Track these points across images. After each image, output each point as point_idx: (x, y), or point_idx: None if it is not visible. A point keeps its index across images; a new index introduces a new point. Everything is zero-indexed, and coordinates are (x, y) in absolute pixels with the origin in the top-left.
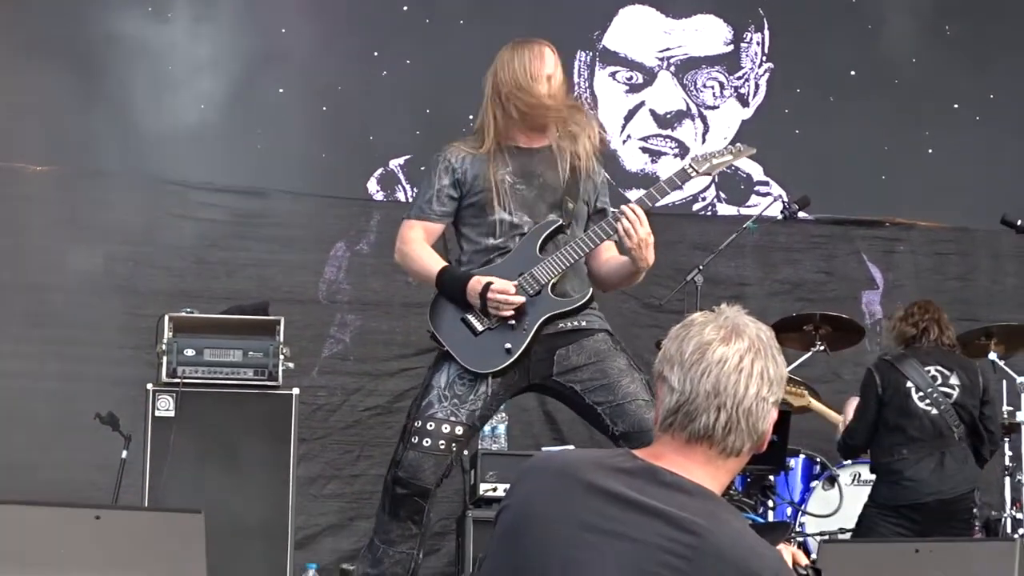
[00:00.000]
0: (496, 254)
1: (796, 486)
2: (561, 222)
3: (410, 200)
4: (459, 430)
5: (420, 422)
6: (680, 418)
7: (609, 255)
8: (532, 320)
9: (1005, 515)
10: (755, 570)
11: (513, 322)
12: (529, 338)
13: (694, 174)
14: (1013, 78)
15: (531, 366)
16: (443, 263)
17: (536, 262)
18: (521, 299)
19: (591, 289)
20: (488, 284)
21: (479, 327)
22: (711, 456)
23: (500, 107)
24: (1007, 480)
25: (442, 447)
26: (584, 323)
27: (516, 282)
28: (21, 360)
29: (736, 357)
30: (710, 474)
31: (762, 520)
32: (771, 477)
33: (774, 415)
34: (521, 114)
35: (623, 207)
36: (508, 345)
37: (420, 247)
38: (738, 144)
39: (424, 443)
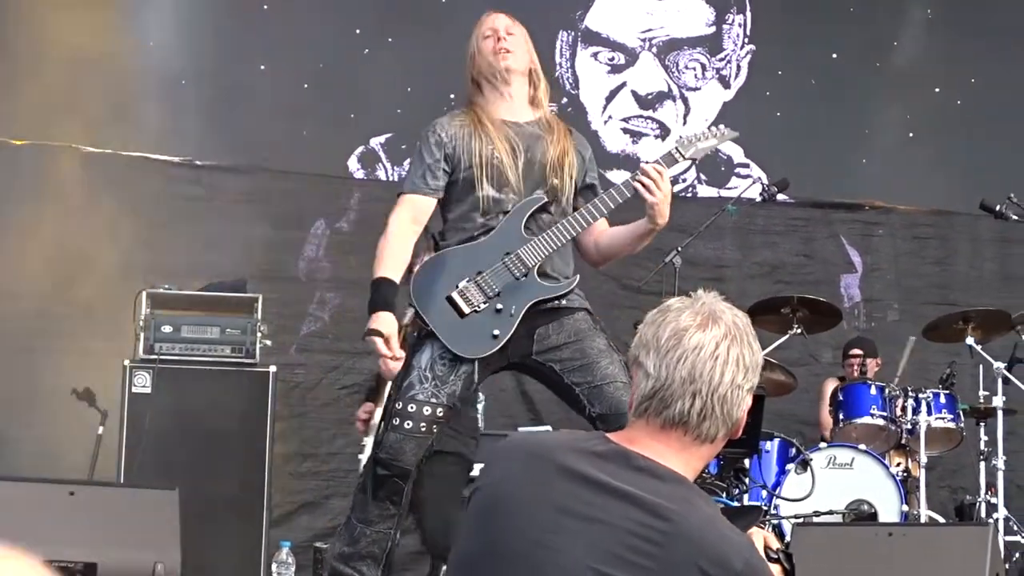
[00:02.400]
0: (480, 232)
1: (771, 469)
2: (546, 199)
3: (390, 179)
4: (440, 412)
5: (401, 404)
6: (655, 404)
7: (603, 228)
8: (519, 305)
9: (979, 500)
10: (725, 555)
11: (500, 306)
12: (516, 324)
13: (680, 158)
14: (994, 63)
15: (511, 345)
16: (390, 273)
17: (522, 242)
18: (398, 364)
19: (577, 275)
20: (375, 331)
21: (465, 309)
22: (685, 442)
23: (472, 80)
24: (982, 465)
25: (423, 429)
26: (564, 301)
27: (502, 262)
28: None
29: (712, 344)
30: (684, 460)
31: (734, 504)
32: (745, 460)
33: (749, 402)
34: (484, 79)
35: (643, 165)
36: (496, 331)
37: (398, 235)
38: (721, 127)
39: (406, 425)
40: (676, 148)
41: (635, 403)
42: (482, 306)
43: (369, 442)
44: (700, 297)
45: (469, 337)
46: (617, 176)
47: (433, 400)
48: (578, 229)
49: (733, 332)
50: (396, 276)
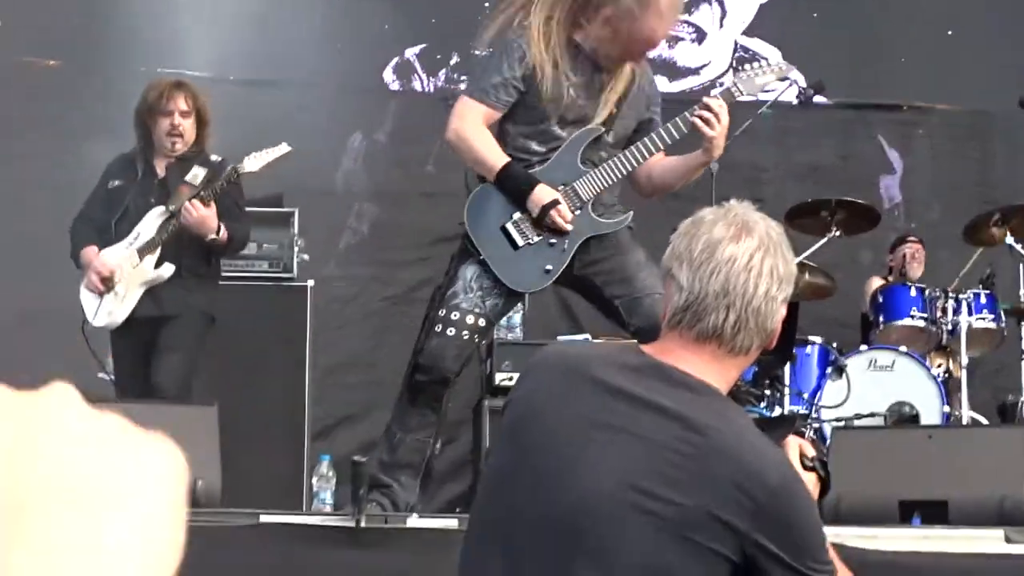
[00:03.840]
0: (538, 161)
1: (812, 373)
2: (602, 130)
3: (427, 90)
4: (482, 322)
5: (444, 311)
6: (689, 317)
7: (656, 159)
8: (573, 241)
9: (1022, 399)
10: (760, 470)
11: (553, 240)
12: (568, 259)
13: (739, 94)
14: None
15: None
16: (507, 157)
17: (579, 174)
18: (571, 228)
19: (631, 211)
20: (555, 201)
21: (520, 241)
22: (719, 354)
23: (605, 22)
24: (1023, 364)
25: (465, 336)
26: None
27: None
28: (40, 253)
29: (746, 256)
30: (717, 371)
31: (767, 414)
32: (782, 368)
33: (783, 312)
34: (625, 41)
35: (705, 99)
36: (548, 267)
37: (482, 131)
38: (779, 62)
39: (448, 332)
40: (735, 83)
41: (668, 315)
42: (535, 239)
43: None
44: (733, 208)
45: (521, 270)
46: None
47: (476, 310)
48: (635, 164)
49: (766, 243)
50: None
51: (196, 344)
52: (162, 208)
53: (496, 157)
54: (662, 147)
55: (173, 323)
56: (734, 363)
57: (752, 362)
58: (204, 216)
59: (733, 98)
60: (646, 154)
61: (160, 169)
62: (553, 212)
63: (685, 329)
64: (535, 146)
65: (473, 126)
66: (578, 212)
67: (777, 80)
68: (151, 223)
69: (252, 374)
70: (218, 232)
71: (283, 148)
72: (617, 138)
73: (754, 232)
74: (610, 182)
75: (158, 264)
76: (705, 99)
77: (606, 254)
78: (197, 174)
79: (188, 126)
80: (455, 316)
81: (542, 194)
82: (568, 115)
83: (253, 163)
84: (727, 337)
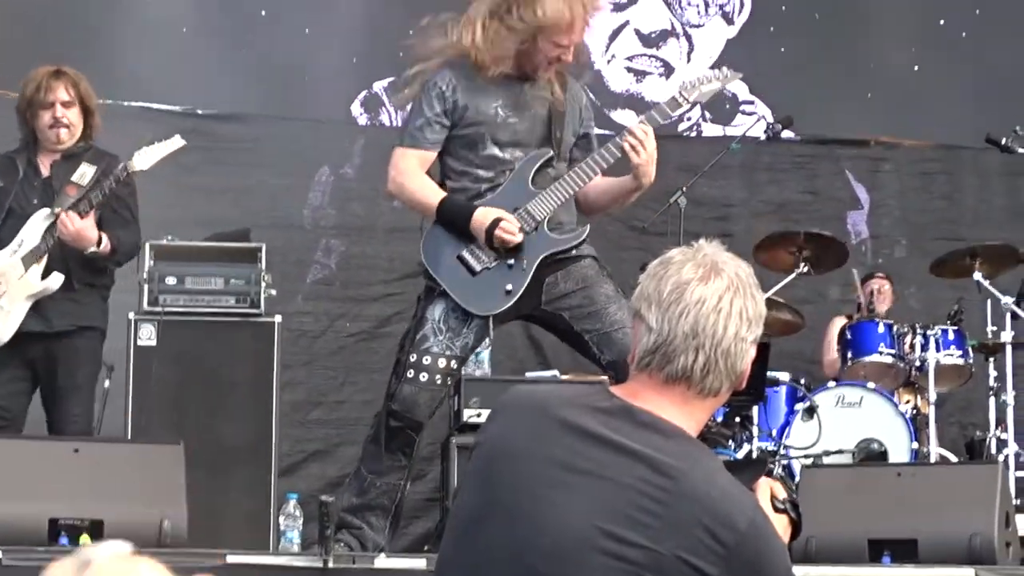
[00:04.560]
0: (487, 188)
1: (780, 410)
2: (552, 153)
3: (395, 124)
4: (454, 364)
5: (415, 355)
6: (658, 359)
7: (594, 181)
8: (531, 259)
9: (990, 436)
10: (729, 514)
11: (511, 261)
12: (528, 278)
13: (684, 103)
14: None
15: (522, 297)
16: (443, 193)
17: (530, 196)
18: (520, 237)
19: (587, 225)
20: (497, 219)
21: (477, 267)
22: (688, 396)
23: (506, 29)
24: (992, 401)
25: (438, 381)
26: (573, 251)
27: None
28: None
29: (715, 297)
30: (687, 414)
31: (736, 456)
32: (751, 408)
33: (752, 353)
34: (512, 52)
35: (629, 126)
36: (508, 287)
37: (417, 176)
38: (725, 69)
39: (420, 377)
40: (680, 92)
41: (637, 357)
42: (493, 263)
43: None
44: (702, 248)
45: (482, 294)
46: (621, 116)
47: (447, 352)
48: (583, 183)
49: (736, 284)
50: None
51: (95, 367)
52: (47, 211)
53: (432, 195)
54: (604, 167)
55: (67, 346)
56: (703, 405)
57: (720, 404)
58: (79, 229)
59: (677, 106)
60: (591, 174)
61: (45, 167)
62: (498, 230)
63: (654, 371)
64: (481, 173)
65: (407, 173)
66: (534, 232)
67: (723, 87)
68: (36, 228)
69: (218, 410)
70: (99, 244)
71: (177, 142)
72: (561, 155)
73: (723, 273)
74: (562, 200)
75: (45, 274)
76: (630, 125)
77: (574, 288)
78: (85, 172)
79: (74, 116)
80: (426, 360)
81: (482, 217)
82: (502, 135)
83: (144, 159)
84: (696, 379)
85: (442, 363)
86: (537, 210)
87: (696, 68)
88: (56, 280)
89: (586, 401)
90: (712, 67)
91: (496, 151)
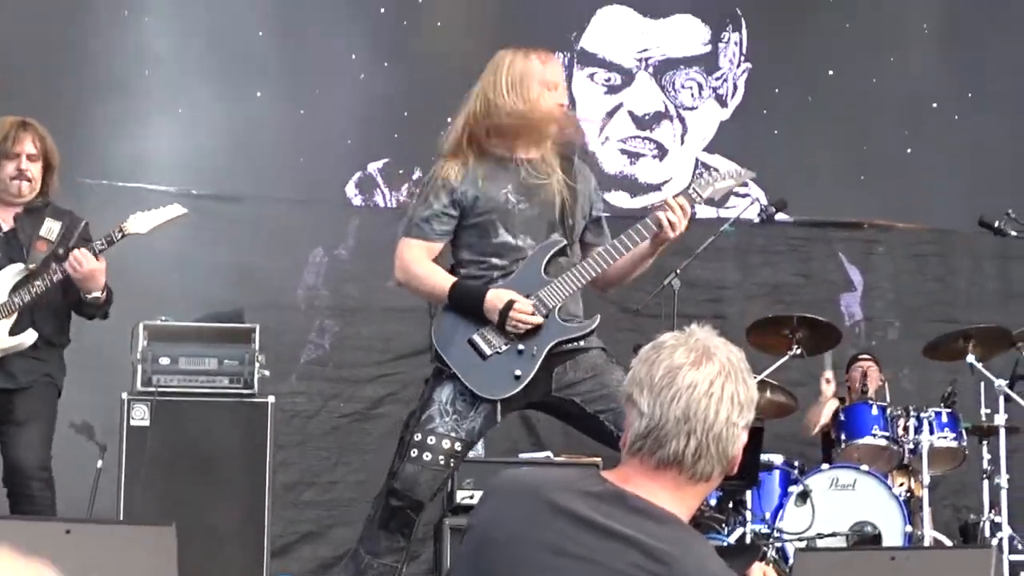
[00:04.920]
0: (498, 274)
1: (774, 492)
2: (564, 242)
3: (389, 205)
4: (458, 446)
5: (420, 435)
6: (650, 443)
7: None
8: (541, 346)
9: (984, 519)
10: None
11: (521, 347)
12: (538, 364)
13: (698, 199)
14: (991, 77)
15: (531, 384)
16: (453, 277)
17: (543, 284)
18: (539, 319)
19: (597, 316)
20: (510, 302)
21: (487, 351)
22: (680, 481)
23: (496, 114)
24: (985, 484)
25: (441, 462)
26: (581, 343)
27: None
28: None
29: (706, 382)
30: (679, 499)
31: (728, 542)
32: (745, 492)
33: (744, 438)
34: (521, 123)
35: (669, 200)
36: (517, 372)
37: (423, 264)
38: (739, 168)
39: (424, 457)
40: (693, 189)
41: (629, 442)
42: (504, 348)
43: None
44: (694, 332)
45: (491, 379)
46: (614, 197)
47: (452, 434)
48: (599, 270)
49: (728, 369)
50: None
51: (52, 416)
52: (19, 266)
53: (443, 281)
54: (625, 252)
55: (26, 394)
56: (695, 490)
57: (712, 489)
58: (93, 270)
59: (691, 202)
60: (610, 260)
61: (5, 221)
62: (512, 313)
63: (646, 456)
64: (495, 261)
65: (414, 262)
66: (546, 319)
67: (736, 186)
68: (4, 283)
69: (211, 491)
70: (103, 290)
71: (176, 209)
72: (573, 240)
73: (715, 358)
74: (575, 287)
75: (15, 329)
76: (670, 199)
77: (584, 376)
78: (52, 228)
79: (36, 171)
80: (431, 441)
81: (495, 299)
82: (513, 222)
83: (140, 224)
84: (688, 464)
85: (446, 444)
86: (549, 298)
87: (690, 150)
88: (30, 336)
89: (578, 486)
90: (706, 149)
91: (508, 238)
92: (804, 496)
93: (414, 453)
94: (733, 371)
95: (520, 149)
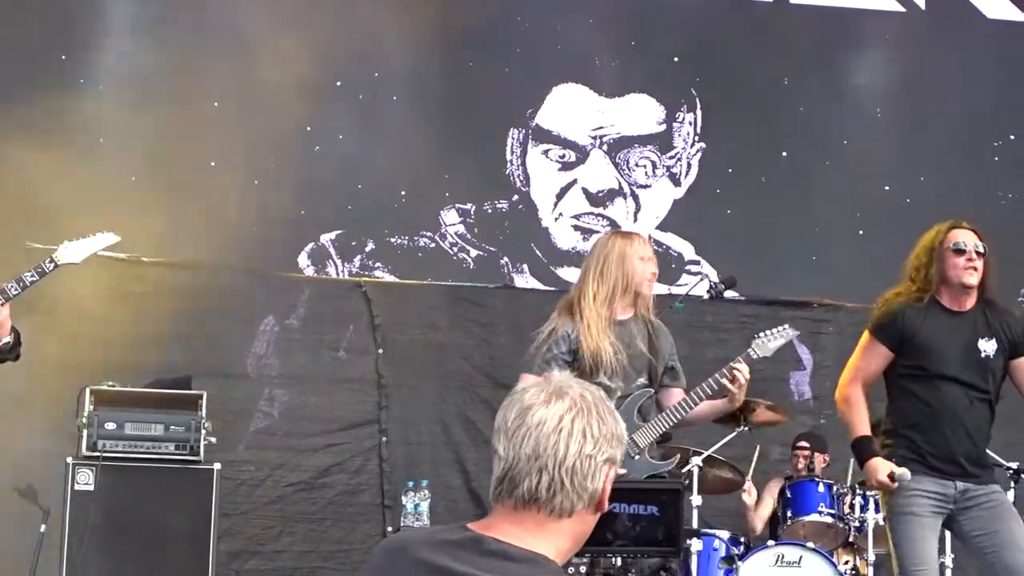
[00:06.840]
0: None
1: (716, 568)
2: (653, 391)
3: (341, 275)
4: None
5: None
6: (506, 485)
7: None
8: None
9: None
10: None
11: None
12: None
13: (756, 356)
14: (943, 161)
15: None
16: None
17: (635, 427)
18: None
19: (678, 455)
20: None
21: None
22: (541, 520)
23: (606, 282)
24: None
25: None
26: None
27: None
28: None
29: (555, 418)
30: (542, 537)
31: None
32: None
33: (608, 472)
34: (621, 289)
35: (734, 365)
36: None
37: None
38: (788, 328)
39: None
40: (753, 349)
41: (492, 488)
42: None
43: None
44: (551, 377)
45: None
46: (567, 273)
47: None
48: (682, 416)
49: (578, 404)
50: None
51: None
52: None
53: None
54: (702, 400)
55: None
56: (559, 527)
57: (588, 525)
58: (2, 320)
59: (751, 360)
60: (691, 407)
61: None
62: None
63: (505, 498)
64: None
65: None
66: (637, 458)
67: (785, 343)
68: None
69: (155, 558)
70: (13, 334)
71: (109, 238)
72: (656, 386)
73: (565, 396)
74: (664, 429)
75: None
76: (733, 364)
77: None
78: None
79: None
80: None
81: None
82: (610, 370)
83: (72, 253)
84: (544, 500)
85: None
86: (642, 439)
87: (642, 227)
88: None
89: (439, 537)
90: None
91: (606, 380)
92: (730, 560)
93: None
94: (586, 407)
95: (621, 309)
